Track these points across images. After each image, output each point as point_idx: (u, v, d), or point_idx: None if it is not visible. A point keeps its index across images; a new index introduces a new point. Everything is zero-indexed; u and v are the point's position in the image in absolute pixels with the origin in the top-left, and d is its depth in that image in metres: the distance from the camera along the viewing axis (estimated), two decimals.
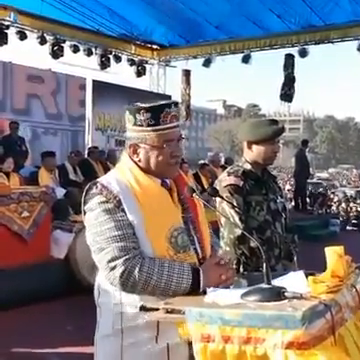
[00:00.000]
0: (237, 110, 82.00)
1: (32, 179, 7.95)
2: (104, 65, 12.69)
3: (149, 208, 1.85)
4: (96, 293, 1.98)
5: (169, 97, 13.12)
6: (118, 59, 13.09)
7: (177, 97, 13.61)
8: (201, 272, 1.83)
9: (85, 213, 1.92)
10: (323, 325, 1.50)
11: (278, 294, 1.59)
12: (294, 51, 12.04)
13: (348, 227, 13.42)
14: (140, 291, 1.79)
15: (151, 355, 1.81)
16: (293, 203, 13.44)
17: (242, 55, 12.63)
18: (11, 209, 6.07)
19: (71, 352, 4.42)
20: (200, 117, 78.29)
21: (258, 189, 2.85)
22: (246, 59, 12.59)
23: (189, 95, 13.97)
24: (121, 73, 13.82)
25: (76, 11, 11.10)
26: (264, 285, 1.68)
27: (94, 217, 1.86)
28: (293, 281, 1.74)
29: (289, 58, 12.13)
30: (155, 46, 13.91)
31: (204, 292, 1.79)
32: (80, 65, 13.43)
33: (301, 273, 1.79)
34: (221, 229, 2.82)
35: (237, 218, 2.72)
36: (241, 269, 2.73)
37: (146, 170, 1.93)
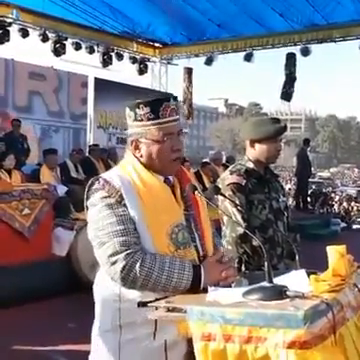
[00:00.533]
0: (239, 109, 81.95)
1: (34, 176, 7.96)
2: (106, 63, 12.67)
3: (150, 204, 1.85)
4: (95, 288, 1.98)
5: (170, 95, 13.11)
6: (120, 57, 13.08)
7: (179, 95, 13.49)
8: (202, 269, 1.83)
9: (87, 208, 1.92)
10: (325, 324, 1.49)
11: (280, 293, 1.59)
12: (296, 50, 12.02)
13: (350, 226, 13.40)
14: (140, 286, 1.79)
15: (149, 351, 1.81)
16: (294, 202, 13.42)
17: (244, 53, 12.62)
18: (12, 206, 6.08)
19: (72, 349, 4.42)
20: (202, 115, 78.24)
21: (260, 188, 2.84)
22: (248, 57, 12.58)
23: (191, 93, 13.97)
24: (123, 71, 13.83)
25: (78, 8, 11.09)
26: (266, 284, 1.67)
27: (96, 212, 1.87)
28: (295, 280, 1.74)
29: (290, 57, 12.12)
30: (157, 44, 13.90)
31: (205, 289, 1.79)
32: (82, 63, 13.44)
33: (303, 272, 1.79)
34: (223, 228, 2.82)
35: (239, 217, 2.72)
36: (243, 268, 2.72)
37: (148, 166, 1.93)
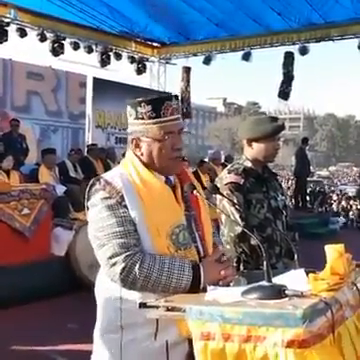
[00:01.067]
0: (237, 108, 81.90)
1: (32, 176, 7.95)
2: (104, 62, 12.67)
3: (151, 204, 1.84)
4: (96, 289, 1.98)
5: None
6: (118, 56, 13.08)
7: (177, 95, 13.59)
8: (201, 268, 1.83)
9: (88, 209, 1.92)
10: (323, 323, 1.49)
11: (279, 292, 1.59)
12: (294, 49, 12.04)
13: (348, 225, 13.41)
14: (140, 288, 1.79)
15: (150, 352, 1.81)
16: (293, 201, 13.43)
17: (242, 53, 12.63)
18: (11, 206, 6.07)
19: (72, 349, 4.42)
20: (200, 115, 78.17)
21: (259, 187, 2.84)
22: (246, 57, 12.59)
23: (189, 93, 13.96)
24: (121, 70, 13.83)
25: (76, 8, 11.08)
26: (265, 283, 1.67)
27: (96, 213, 1.86)
28: (294, 279, 1.74)
29: (288, 56, 12.13)
30: (155, 43, 13.90)
31: (204, 289, 1.79)
32: (80, 62, 13.44)
33: (302, 271, 1.79)
34: (221, 227, 2.82)
35: (237, 216, 2.71)
36: (241, 267, 2.72)
37: (149, 165, 1.93)
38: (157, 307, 1.63)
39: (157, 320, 1.71)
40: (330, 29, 11.42)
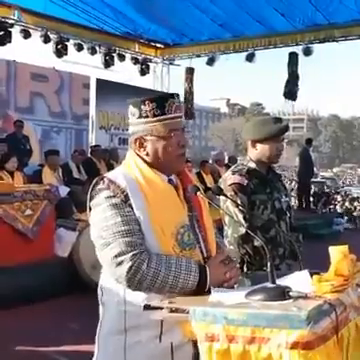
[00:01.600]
0: (241, 109, 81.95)
1: (36, 177, 7.97)
2: (108, 63, 12.70)
3: (156, 204, 1.83)
4: (100, 291, 1.96)
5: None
6: (122, 57, 13.10)
7: (181, 96, 13.59)
8: (208, 269, 1.82)
9: (90, 209, 1.89)
10: (327, 325, 1.49)
11: (283, 293, 1.58)
12: (298, 50, 12.03)
13: (352, 226, 13.37)
14: (146, 288, 1.76)
15: (155, 354, 1.79)
16: (297, 202, 13.40)
17: (246, 54, 12.63)
18: (15, 207, 6.08)
19: (75, 350, 4.42)
20: (204, 116, 78.25)
21: (262, 188, 2.83)
22: (250, 58, 12.58)
23: (193, 93, 13.97)
24: (125, 71, 13.85)
25: (80, 9, 11.10)
26: (269, 284, 1.67)
27: (100, 212, 1.83)
28: (298, 280, 1.73)
29: (293, 56, 12.11)
30: (159, 44, 13.92)
31: (209, 291, 1.78)
32: (84, 63, 13.46)
33: (306, 272, 1.78)
34: (225, 228, 2.81)
35: (241, 217, 2.70)
36: (245, 268, 2.72)
37: (153, 164, 1.91)
38: (161, 308, 1.63)
39: (162, 322, 1.70)
40: (334, 30, 11.41)
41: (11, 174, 7.20)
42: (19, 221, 6.10)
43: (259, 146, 2.83)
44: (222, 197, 2.59)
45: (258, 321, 1.47)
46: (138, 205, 1.81)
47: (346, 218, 13.70)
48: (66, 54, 11.63)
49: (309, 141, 13.41)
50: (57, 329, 4.89)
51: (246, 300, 1.62)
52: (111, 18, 11.88)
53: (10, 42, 10.53)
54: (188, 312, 1.57)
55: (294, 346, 1.42)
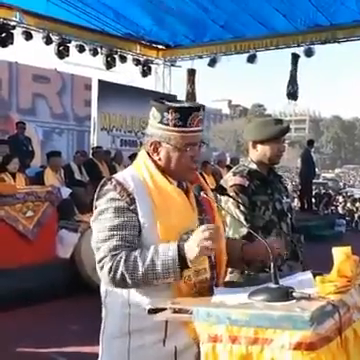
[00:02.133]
0: (242, 110, 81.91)
1: (38, 179, 7.97)
2: (110, 65, 12.71)
3: (163, 208, 1.81)
4: (103, 293, 1.94)
5: (174, 97, 13.13)
6: (123, 59, 13.12)
7: (182, 97, 13.62)
8: (185, 245, 1.72)
9: (96, 208, 1.88)
10: (331, 326, 1.49)
11: (286, 294, 1.58)
12: (300, 51, 12.02)
13: (354, 227, 13.36)
14: (132, 284, 1.73)
15: (158, 358, 1.79)
16: (298, 203, 13.40)
17: (247, 55, 12.63)
18: (16, 209, 6.09)
19: (77, 352, 4.42)
20: (205, 117, 78.16)
21: (264, 189, 2.83)
22: (251, 59, 12.58)
23: (194, 95, 13.97)
24: (126, 73, 13.86)
25: (81, 11, 11.12)
26: (272, 285, 1.66)
27: (101, 213, 1.83)
28: (300, 281, 1.73)
29: (294, 57, 12.11)
30: (160, 46, 13.93)
31: (212, 291, 1.76)
32: (86, 65, 13.47)
33: (309, 273, 1.78)
34: (226, 228, 2.80)
35: (242, 218, 2.70)
36: (246, 270, 2.71)
37: (164, 170, 1.90)
38: (165, 309, 1.63)
39: (166, 326, 1.69)
40: (336, 31, 11.41)
41: (13, 175, 7.20)
42: (20, 222, 6.10)
43: (260, 147, 2.83)
44: (223, 198, 2.59)
45: (261, 322, 1.47)
46: (144, 210, 1.80)
47: (348, 219, 13.69)
48: (68, 55, 11.65)
49: (311, 142, 13.41)
50: (58, 330, 4.89)
51: (249, 300, 1.61)
52: (113, 19, 11.90)
53: (12, 44, 10.56)
54: (192, 313, 1.57)
55: (297, 347, 1.42)
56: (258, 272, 2.62)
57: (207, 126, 76.14)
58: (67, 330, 4.99)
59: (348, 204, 15.59)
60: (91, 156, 10.49)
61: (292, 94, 12.29)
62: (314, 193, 14.65)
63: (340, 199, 16.65)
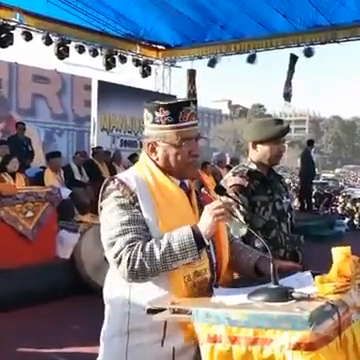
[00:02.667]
0: (242, 110, 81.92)
1: (38, 179, 7.97)
2: (109, 65, 12.73)
3: (164, 208, 1.82)
4: (105, 291, 1.95)
5: (174, 97, 13.12)
6: (123, 59, 13.13)
7: (182, 97, 13.63)
8: (198, 225, 1.76)
9: (101, 208, 1.89)
10: (330, 326, 1.49)
11: (285, 294, 1.58)
12: (300, 51, 12.04)
13: (354, 228, 13.34)
14: (151, 271, 1.73)
15: (156, 357, 1.79)
16: (298, 203, 13.39)
17: (247, 55, 12.65)
18: (16, 209, 6.09)
19: (77, 352, 4.42)
20: (205, 117, 78.22)
21: (263, 189, 2.83)
22: (251, 59, 12.60)
23: (194, 95, 13.97)
24: (126, 73, 13.88)
25: (81, 11, 11.14)
26: (271, 285, 1.67)
27: (108, 212, 1.84)
28: (300, 281, 1.73)
29: (292, 59, 12.14)
30: (160, 46, 13.94)
31: (211, 291, 1.76)
32: (85, 65, 13.49)
33: (308, 273, 1.78)
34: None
35: (242, 218, 2.70)
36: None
37: (165, 169, 1.90)
38: (164, 310, 1.63)
39: (165, 327, 1.69)
40: (335, 31, 11.42)
41: (13, 176, 7.20)
42: (20, 223, 6.10)
43: (260, 147, 2.83)
44: (223, 198, 2.59)
45: (261, 322, 1.47)
46: (147, 209, 1.81)
47: (348, 219, 13.68)
48: (67, 56, 11.67)
49: (311, 142, 13.41)
50: (58, 331, 4.89)
51: (249, 301, 1.61)
52: (112, 20, 11.91)
53: (12, 44, 10.58)
54: (191, 313, 1.57)
55: (297, 347, 1.42)
56: None
57: (207, 126, 76.20)
58: (67, 330, 4.99)
59: (348, 204, 15.57)
60: (91, 157, 10.49)
61: (287, 95, 12.31)
62: (314, 193, 14.63)
63: (340, 199, 16.63)
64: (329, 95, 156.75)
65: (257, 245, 2.62)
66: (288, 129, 2.89)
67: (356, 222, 13.71)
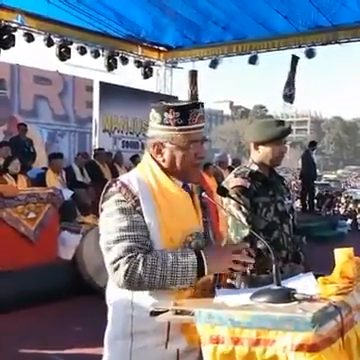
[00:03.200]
0: (244, 111, 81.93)
1: (39, 180, 7.98)
2: (111, 67, 12.73)
3: (167, 210, 1.82)
4: (108, 294, 1.95)
5: (176, 98, 13.14)
6: (125, 61, 13.13)
7: (184, 98, 13.62)
8: (203, 255, 1.76)
9: (102, 210, 1.88)
10: (333, 327, 1.49)
11: (288, 295, 1.58)
12: (301, 52, 12.03)
13: (356, 228, 13.32)
14: (147, 287, 1.75)
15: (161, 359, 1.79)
16: (300, 204, 13.38)
17: (249, 56, 12.64)
18: (18, 210, 6.10)
19: (78, 353, 4.42)
20: (207, 118, 78.02)
21: (265, 190, 2.83)
22: (253, 60, 12.60)
23: (197, 96, 13.97)
24: (128, 74, 13.88)
25: (83, 13, 11.14)
26: (274, 286, 1.66)
27: (108, 215, 1.83)
28: (302, 282, 1.73)
29: (293, 60, 12.13)
30: (162, 47, 13.94)
31: (213, 292, 1.76)
32: (87, 67, 13.49)
33: (311, 274, 1.78)
34: (228, 230, 2.80)
35: (244, 219, 2.70)
36: (248, 271, 2.70)
37: (169, 171, 1.90)
38: (167, 311, 1.63)
39: (168, 329, 1.68)
40: (337, 32, 11.40)
41: (14, 177, 7.21)
42: (22, 224, 6.11)
43: (262, 148, 2.83)
44: (224, 199, 2.59)
45: (263, 323, 1.47)
46: (148, 212, 1.80)
47: (350, 220, 13.66)
48: (69, 57, 11.66)
49: (312, 143, 13.40)
50: (60, 332, 4.89)
51: (251, 302, 1.61)
52: (114, 21, 11.92)
53: (14, 46, 10.58)
54: (193, 314, 1.57)
55: (299, 348, 1.42)
56: (259, 274, 2.62)
57: (208, 127, 76.18)
58: (69, 331, 4.99)
59: (350, 205, 15.57)
60: (93, 158, 10.50)
61: (289, 97, 12.29)
62: (316, 194, 14.62)
63: (342, 200, 16.62)
64: (330, 96, 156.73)
65: (259, 246, 2.62)
66: (289, 130, 2.89)
67: (358, 223, 13.70)
